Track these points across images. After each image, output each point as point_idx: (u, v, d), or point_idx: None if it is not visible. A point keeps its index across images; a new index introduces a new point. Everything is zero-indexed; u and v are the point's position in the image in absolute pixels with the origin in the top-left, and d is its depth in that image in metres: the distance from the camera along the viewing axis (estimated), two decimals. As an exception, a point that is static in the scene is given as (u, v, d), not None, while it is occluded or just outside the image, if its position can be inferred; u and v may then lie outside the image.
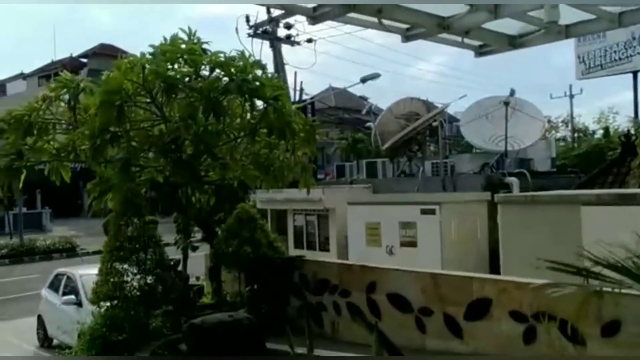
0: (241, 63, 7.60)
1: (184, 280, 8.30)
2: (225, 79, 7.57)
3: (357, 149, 30.11)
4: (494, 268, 9.85)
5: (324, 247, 14.21)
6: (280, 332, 6.15)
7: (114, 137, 7.50)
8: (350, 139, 32.71)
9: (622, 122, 30.78)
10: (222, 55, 7.69)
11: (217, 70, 7.69)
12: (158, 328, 7.45)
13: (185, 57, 7.64)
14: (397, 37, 9.61)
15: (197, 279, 9.32)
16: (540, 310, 5.86)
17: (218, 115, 7.21)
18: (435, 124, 14.18)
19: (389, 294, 7.23)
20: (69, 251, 25.29)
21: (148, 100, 7.71)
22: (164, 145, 7.31)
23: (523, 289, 6.08)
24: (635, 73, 27.74)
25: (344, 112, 37.88)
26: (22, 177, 7.97)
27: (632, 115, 26.19)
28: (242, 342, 3.58)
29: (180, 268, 8.51)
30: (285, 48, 19.57)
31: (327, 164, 33.42)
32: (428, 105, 15.94)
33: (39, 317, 12.07)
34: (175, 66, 7.62)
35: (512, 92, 13.49)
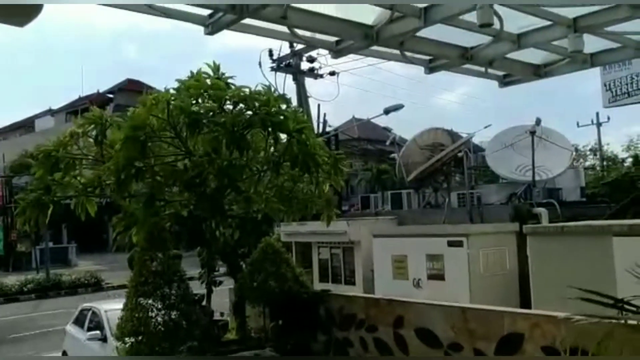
0: (265, 97, 7.66)
1: (208, 315, 8.24)
2: (249, 112, 7.62)
3: (381, 180, 30.00)
4: (524, 301, 9.58)
5: (350, 281, 14.01)
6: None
7: (139, 172, 7.55)
8: (374, 170, 32.64)
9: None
10: (246, 89, 7.76)
11: (241, 105, 7.76)
12: (183, 365, 7.37)
13: (209, 92, 7.74)
14: (420, 69, 9.61)
15: (222, 314, 9.25)
16: (574, 346, 5.64)
17: (242, 149, 7.24)
18: (460, 154, 14.06)
19: (417, 329, 7.06)
20: (94, 285, 25.41)
21: (172, 135, 7.78)
22: (188, 180, 7.33)
23: (555, 323, 5.88)
24: (662, 101, 27.31)
25: (367, 143, 37.92)
26: (49, 212, 8.06)
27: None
28: None
29: (204, 303, 8.46)
30: (308, 81, 19.80)
31: (351, 195, 33.33)
32: (452, 136, 15.85)
33: (64, 353, 12.06)
34: (200, 101, 7.72)
35: (538, 121, 13.34)
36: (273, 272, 8.13)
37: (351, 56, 10.23)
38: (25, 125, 54.65)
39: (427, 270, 11.53)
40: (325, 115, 20.28)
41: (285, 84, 19.00)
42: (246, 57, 27.13)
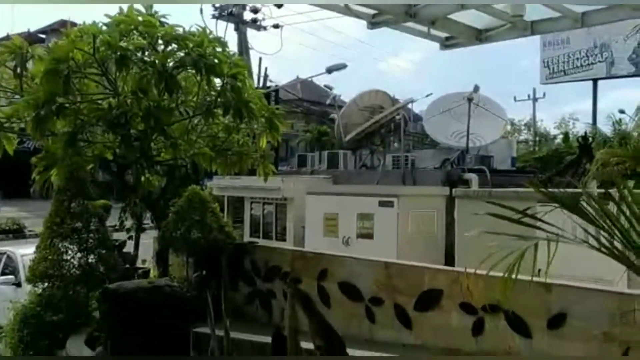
0: (199, 38, 7.33)
1: (129, 262, 7.99)
2: (181, 53, 7.29)
3: (321, 141, 29.87)
4: (450, 263, 9.79)
5: (281, 237, 13.97)
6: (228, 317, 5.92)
7: (60, 109, 7.13)
8: (315, 131, 32.49)
9: (581, 128, 31.38)
10: (179, 28, 7.40)
11: (174, 45, 7.40)
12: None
13: (140, 29, 7.34)
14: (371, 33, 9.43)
15: (144, 262, 8.99)
16: (490, 303, 5.77)
17: (170, 90, 6.92)
18: (398, 117, 14.07)
19: (341, 282, 7.06)
20: (16, 232, 24.42)
21: (99, 72, 7.37)
22: (112, 119, 6.96)
23: (474, 280, 5.97)
24: (595, 81, 28.26)
25: (310, 105, 37.63)
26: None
27: (591, 122, 26.69)
28: (161, 309, 3.32)
29: (132, 251, 8.21)
30: (252, 35, 19.14)
31: (291, 157, 33.13)
32: (392, 99, 15.85)
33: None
34: (130, 38, 7.31)
35: (476, 88, 13.48)
36: (198, 221, 7.91)
37: (297, 10, 9.93)
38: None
39: (357, 228, 11.61)
40: (266, 69, 19.88)
41: (227, 35, 18.45)
42: (186, 7, 26.09)
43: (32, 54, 7.74)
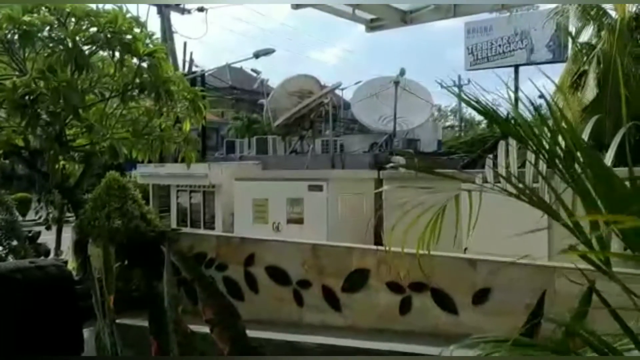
0: (112, 15, 6.92)
1: (43, 254, 7.52)
2: (94, 29, 6.85)
3: (252, 129, 29.54)
4: (380, 245, 9.82)
5: (209, 226, 13.66)
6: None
7: (-41, 90, 6.56)
8: (245, 119, 32.08)
9: (503, 114, 32.32)
10: (92, 5, 6.97)
11: (85, 21, 6.95)
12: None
13: (47, 4, 6.85)
14: (305, 18, 9.22)
15: (58, 253, 8.50)
16: (417, 281, 5.77)
17: (81, 68, 6.48)
18: (326, 101, 13.98)
19: (268, 267, 6.89)
20: None
21: (2, 50, 6.83)
22: (17, 100, 6.45)
23: (400, 259, 5.95)
24: (516, 67, 29.18)
25: (241, 93, 37.07)
26: None
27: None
28: (44, 292, 3.05)
29: (47, 242, 7.72)
30: (178, 20, 18.46)
31: (221, 146, 32.56)
32: (320, 84, 15.73)
33: None
34: (36, 13, 6.81)
35: (403, 72, 13.56)
36: (118, 208, 7.53)
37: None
38: None
39: (287, 214, 11.48)
40: (192, 54, 19.30)
41: (149, 19, 17.78)
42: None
43: None
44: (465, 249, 6.20)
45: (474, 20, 27.52)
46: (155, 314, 1.59)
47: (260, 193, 12.00)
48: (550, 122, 2.31)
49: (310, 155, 13.52)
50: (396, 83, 13.19)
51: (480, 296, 5.57)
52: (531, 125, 2.21)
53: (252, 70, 19.32)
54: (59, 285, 3.04)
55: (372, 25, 10.01)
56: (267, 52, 17.38)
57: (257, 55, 17.23)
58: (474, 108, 2.37)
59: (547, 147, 2.16)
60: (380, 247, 6.48)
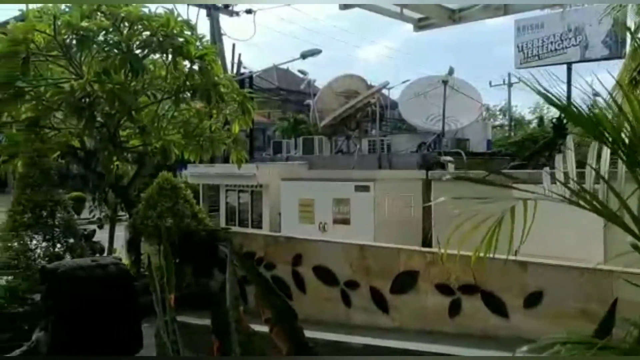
0: (164, 18, 7.09)
1: (98, 252, 7.76)
2: (147, 33, 7.04)
3: (298, 129, 29.64)
4: (428, 247, 9.73)
5: (257, 225, 13.80)
6: (202, 307, 5.74)
7: (20, 93, 6.86)
8: (292, 119, 32.23)
9: (555, 113, 31.58)
10: (145, 9, 7.16)
11: (139, 25, 7.15)
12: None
13: (103, 9, 7.08)
14: (351, 18, 9.25)
15: (112, 251, 8.74)
16: (467, 283, 5.69)
17: (136, 71, 6.67)
18: (374, 100, 13.93)
19: (315, 267, 6.92)
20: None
21: (60, 54, 7.09)
22: (75, 102, 6.68)
23: (451, 261, 5.88)
24: (569, 65, 28.38)
25: (287, 94, 37.31)
26: None
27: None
28: (104, 290, 3.14)
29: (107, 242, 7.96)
30: (230, 25, 18.63)
31: (267, 146, 32.80)
32: (367, 84, 15.68)
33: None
34: (92, 18, 7.05)
35: (451, 71, 13.36)
36: (169, 207, 7.70)
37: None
38: None
39: (333, 214, 11.48)
40: (240, 56, 19.53)
41: (200, 21, 18.04)
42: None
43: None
44: (516, 251, 6.09)
45: (524, 18, 26.83)
46: (217, 314, 1.62)
47: (306, 193, 12.04)
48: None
49: (357, 156, 13.49)
50: (444, 82, 13.02)
51: (532, 299, 5.45)
52: (609, 120, 2.11)
53: (299, 71, 19.37)
54: (118, 282, 3.13)
55: (421, 25, 9.92)
56: (314, 52, 17.42)
57: (304, 56, 17.29)
58: (552, 104, 2.27)
59: (626, 142, 2.06)
60: (429, 249, 6.42)
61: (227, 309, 1.74)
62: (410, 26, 10.52)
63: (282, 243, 7.46)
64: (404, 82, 16.20)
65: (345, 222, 11.25)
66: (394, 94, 17.76)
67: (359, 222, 10.96)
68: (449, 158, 11.77)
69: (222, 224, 13.98)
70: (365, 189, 10.99)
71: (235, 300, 1.79)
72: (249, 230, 12.62)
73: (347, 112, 14.56)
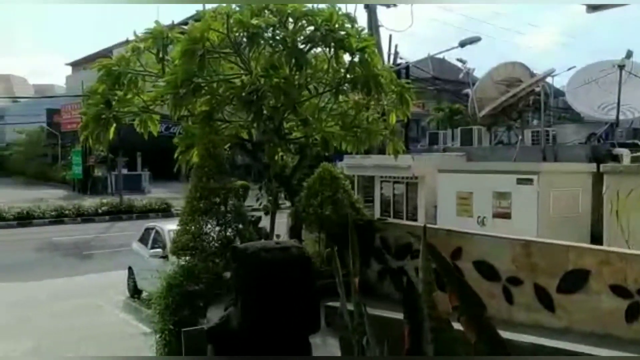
0: (327, 13, 7.28)
1: (263, 237, 8.20)
2: (311, 28, 7.28)
3: (454, 120, 28.99)
4: (596, 244, 9.05)
5: (412, 217, 13.76)
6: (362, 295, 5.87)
7: (197, 88, 7.42)
8: (447, 110, 31.58)
9: None
10: (309, 5, 7.41)
11: (303, 21, 7.41)
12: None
13: (271, 7, 7.43)
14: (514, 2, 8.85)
15: (277, 237, 9.19)
16: (648, 286, 5.20)
17: (300, 66, 6.93)
18: (537, 89, 13.18)
19: (475, 261, 6.73)
20: (164, 211, 26.17)
21: (232, 51, 7.57)
22: (245, 97, 7.11)
23: (627, 261, 5.42)
24: None
25: (443, 83, 36.58)
26: (112, 129, 8.09)
27: None
28: (287, 270, 3.31)
29: (267, 227, 8.40)
30: (387, 16, 18.64)
31: (422, 138, 32.49)
32: (531, 71, 14.87)
33: (130, 269, 12.53)
34: (261, 15, 7.43)
35: (630, 54, 12.20)
36: (329, 197, 7.93)
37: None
38: (104, 55, 55.99)
39: (493, 208, 11.12)
40: (396, 47, 19.49)
41: (357, 14, 18.21)
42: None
43: (171, 38, 8.12)
44: None
45: None
46: (409, 299, 1.66)
47: (464, 185, 11.77)
48: None
49: (519, 147, 12.88)
50: (621, 67, 11.94)
51: None
52: None
53: (458, 59, 18.91)
54: (299, 264, 3.32)
55: (594, 5, 9.18)
56: (473, 40, 16.87)
57: (462, 44, 16.81)
58: None
59: None
60: (602, 248, 5.96)
61: (419, 294, 1.77)
62: (582, 8, 9.78)
63: (441, 236, 7.34)
64: (569, 68, 15.15)
65: (506, 216, 10.84)
66: (557, 82, 16.68)
67: (521, 216, 10.50)
68: (623, 150, 10.81)
69: (377, 214, 14.13)
70: (529, 182, 10.48)
71: (428, 286, 1.80)
72: (404, 222, 12.61)
73: (508, 101, 13.96)
